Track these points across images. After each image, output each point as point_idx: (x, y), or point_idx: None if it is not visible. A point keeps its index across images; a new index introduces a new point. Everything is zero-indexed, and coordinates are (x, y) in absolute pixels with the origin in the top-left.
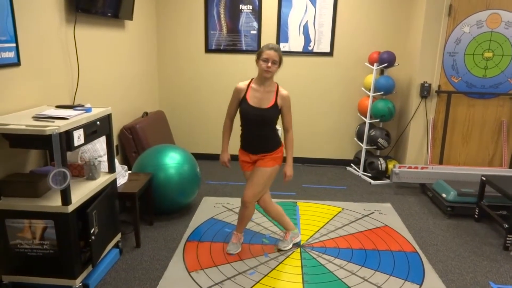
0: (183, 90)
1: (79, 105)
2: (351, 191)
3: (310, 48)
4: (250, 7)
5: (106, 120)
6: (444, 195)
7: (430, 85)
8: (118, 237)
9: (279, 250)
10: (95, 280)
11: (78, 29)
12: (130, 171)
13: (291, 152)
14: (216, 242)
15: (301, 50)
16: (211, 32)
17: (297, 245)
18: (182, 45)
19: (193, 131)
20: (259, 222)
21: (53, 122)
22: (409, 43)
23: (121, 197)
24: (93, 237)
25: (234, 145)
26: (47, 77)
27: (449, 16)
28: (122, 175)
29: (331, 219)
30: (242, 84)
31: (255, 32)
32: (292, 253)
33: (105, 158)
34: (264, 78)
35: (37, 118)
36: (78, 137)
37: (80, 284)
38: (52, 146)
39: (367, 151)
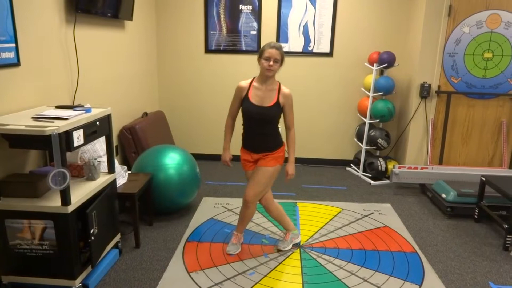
0: (182, 91)
1: (78, 106)
2: (351, 191)
3: (310, 49)
4: (250, 7)
5: (106, 120)
6: (444, 196)
7: (430, 85)
8: (117, 237)
9: (279, 251)
10: (94, 281)
11: (78, 29)
12: (129, 172)
13: (293, 151)
14: (216, 243)
15: (301, 50)
16: (211, 32)
17: (296, 245)
18: (182, 45)
19: (193, 132)
20: (258, 222)
21: (53, 122)
22: (409, 43)
23: (120, 197)
24: (92, 238)
25: (235, 145)
26: (47, 78)
27: (449, 17)
28: (121, 176)
29: (330, 219)
30: (244, 83)
31: (255, 32)
32: (291, 253)
33: (104, 158)
34: (266, 76)
35: (36, 118)
36: (78, 137)
37: (80, 284)
38: (51, 147)
39: (367, 152)
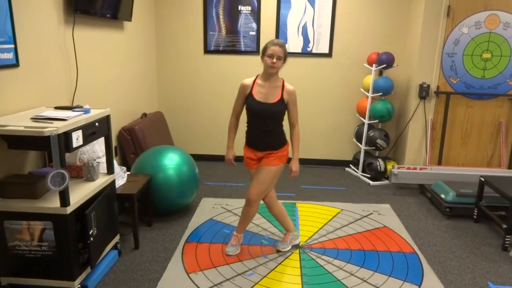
0: (182, 91)
1: (77, 106)
2: (350, 192)
3: (309, 49)
4: (249, 8)
5: (105, 121)
6: (443, 196)
7: (428, 86)
8: (116, 238)
9: (278, 251)
10: (93, 282)
11: (77, 30)
12: (129, 172)
13: (297, 148)
14: (215, 243)
15: (300, 51)
16: (210, 33)
17: (296, 246)
18: (181, 46)
19: (192, 132)
20: (258, 223)
21: (52, 123)
22: (408, 44)
23: (120, 198)
24: (91, 239)
25: (237, 145)
26: (46, 78)
27: (447, 17)
28: (121, 176)
29: (330, 220)
30: (248, 81)
31: (254, 33)
32: (291, 254)
33: (103, 159)
34: (269, 73)
35: (35, 119)
36: (77, 138)
37: (79, 285)
38: (50, 148)
39: (366, 152)
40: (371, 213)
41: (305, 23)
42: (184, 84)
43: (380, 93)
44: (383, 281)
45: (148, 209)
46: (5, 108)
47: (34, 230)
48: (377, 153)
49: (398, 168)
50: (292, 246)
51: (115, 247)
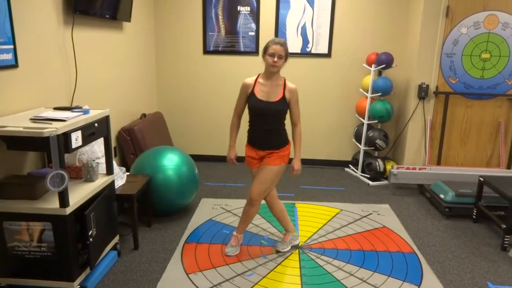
0: (181, 92)
1: (77, 107)
2: (349, 192)
3: (308, 50)
4: (248, 8)
5: (104, 122)
6: (442, 196)
7: (428, 86)
8: (116, 239)
9: (278, 252)
10: (93, 283)
11: (76, 30)
12: (128, 173)
13: (299, 146)
14: (215, 244)
15: (299, 51)
16: (209, 33)
17: (295, 246)
18: (180, 46)
19: (191, 133)
20: (257, 223)
21: (51, 124)
22: (407, 44)
23: (119, 199)
24: (91, 239)
25: (239, 144)
26: (45, 79)
27: (446, 17)
28: (120, 177)
29: (329, 220)
30: (250, 80)
31: (253, 33)
32: (290, 254)
33: (103, 160)
34: (270, 72)
35: (35, 120)
36: (76, 139)
37: (78, 286)
38: (50, 148)
39: (365, 152)
40: (371, 213)
41: (304, 23)
42: (183, 84)
43: (379, 94)
44: (382, 281)
45: (147, 210)
46: (4, 108)
47: (33, 231)
48: (376, 153)
49: (397, 168)
50: (292, 247)
51: (114, 247)
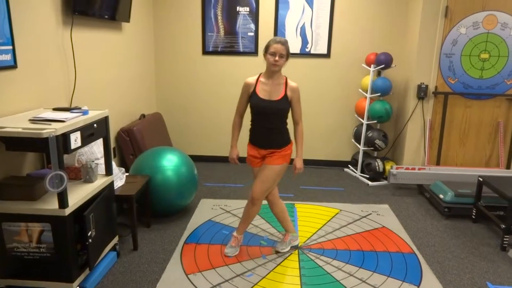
0: (180, 92)
1: (76, 108)
2: (348, 192)
3: (307, 50)
4: (247, 9)
5: (103, 122)
6: (441, 196)
7: (427, 86)
8: (115, 239)
9: (277, 252)
10: (92, 284)
11: (75, 31)
12: (127, 174)
13: (301, 145)
14: (214, 244)
15: (298, 51)
16: (208, 34)
17: (295, 247)
18: (179, 47)
19: (191, 133)
20: (257, 224)
21: (50, 125)
22: (406, 44)
23: (118, 199)
24: (90, 240)
25: (240, 144)
26: (44, 80)
27: (445, 17)
28: (119, 178)
29: (328, 220)
30: (251, 79)
31: (252, 34)
32: (290, 255)
33: (102, 160)
34: (272, 71)
35: (34, 121)
36: (75, 139)
37: (77, 287)
38: (49, 149)
39: (365, 152)
40: (370, 214)
41: (304, 23)
42: (182, 85)
43: (379, 94)
44: (382, 281)
45: (146, 210)
46: (3, 109)
47: (32, 232)
48: (375, 154)
49: (397, 168)
50: (291, 247)
51: (113, 248)
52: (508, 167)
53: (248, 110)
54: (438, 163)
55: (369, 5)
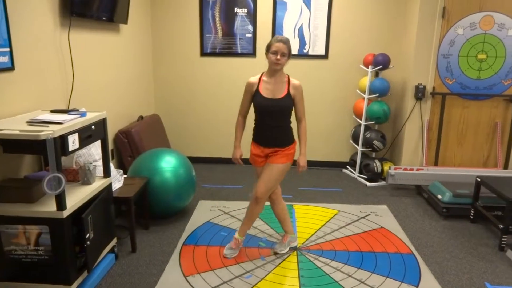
0: (178, 94)
1: (73, 110)
2: (347, 193)
3: (305, 51)
4: (245, 10)
5: (101, 124)
6: (439, 197)
7: (424, 87)
8: (113, 242)
9: (276, 253)
10: (90, 286)
11: (73, 33)
12: (125, 175)
13: (305, 143)
14: (213, 246)
15: (296, 53)
16: (206, 35)
17: (293, 248)
18: (178, 48)
19: (189, 135)
20: (255, 225)
21: (48, 127)
22: (404, 45)
23: (116, 201)
24: (88, 242)
25: (242, 147)
26: (42, 82)
27: (442, 18)
28: (117, 180)
29: (327, 221)
30: (254, 79)
31: (250, 35)
32: (288, 256)
33: (100, 162)
34: (274, 70)
35: (31, 123)
36: (73, 141)
37: None
38: (46, 151)
39: (363, 153)
40: (368, 214)
41: (301, 25)
42: (180, 86)
43: (377, 95)
44: (380, 282)
45: (145, 212)
46: (1, 111)
47: (30, 234)
48: (373, 154)
49: (395, 169)
50: (290, 248)
51: (112, 250)
52: (505, 167)
53: (251, 110)
54: (436, 163)
55: (366, 6)
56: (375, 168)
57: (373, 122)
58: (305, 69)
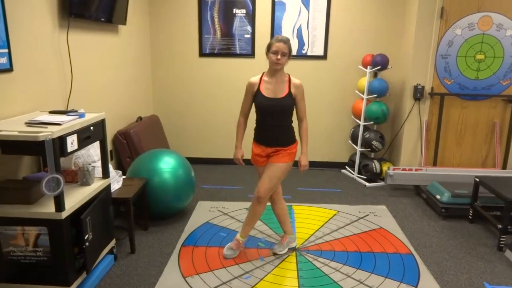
0: (177, 95)
1: (72, 111)
2: (346, 193)
3: (304, 52)
4: (244, 11)
5: (100, 125)
6: (438, 197)
7: (423, 87)
8: (112, 243)
9: (275, 254)
10: (89, 287)
11: (71, 34)
12: (124, 176)
13: (306, 142)
14: (212, 247)
15: (295, 53)
16: (205, 36)
17: (292, 248)
18: (176, 49)
19: (188, 135)
20: (254, 225)
21: (46, 128)
22: (402, 45)
23: (115, 202)
24: (87, 244)
25: (243, 147)
26: (40, 83)
27: (441, 19)
28: (116, 180)
29: (326, 222)
30: (255, 79)
31: (249, 36)
32: (287, 256)
33: (99, 163)
34: (274, 70)
35: (30, 124)
36: (72, 142)
37: None
38: (45, 152)
39: (362, 154)
40: (367, 215)
41: (300, 25)
42: (179, 87)
43: (375, 95)
44: (379, 282)
45: (144, 213)
46: None
47: (29, 236)
48: (372, 155)
49: (394, 169)
50: (289, 249)
51: (111, 251)
52: (504, 168)
53: (253, 110)
54: (434, 163)
55: (365, 6)
56: (374, 168)
57: (372, 122)
58: (303, 70)
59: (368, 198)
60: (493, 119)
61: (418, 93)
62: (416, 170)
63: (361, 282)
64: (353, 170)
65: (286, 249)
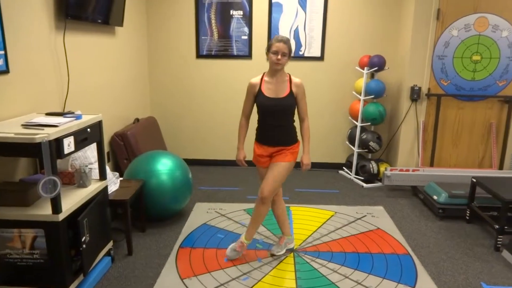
0: (174, 96)
1: (69, 112)
2: (343, 194)
3: (301, 53)
4: (241, 12)
5: (97, 127)
6: (435, 197)
7: (420, 88)
8: (109, 244)
9: (273, 255)
10: None
11: (68, 35)
12: (121, 178)
13: (308, 141)
14: (209, 248)
15: (292, 54)
16: (202, 37)
17: (290, 249)
18: (173, 50)
19: (185, 137)
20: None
21: (43, 129)
22: (399, 47)
23: (112, 204)
24: (84, 246)
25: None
26: (37, 85)
27: (437, 20)
28: (113, 182)
29: (324, 223)
30: (255, 79)
31: (246, 37)
32: (285, 257)
33: (96, 165)
34: (275, 70)
35: (26, 126)
36: (68, 144)
37: None
38: (42, 154)
39: (359, 155)
40: (365, 215)
41: (297, 27)
42: (176, 89)
43: (372, 96)
44: (377, 283)
45: (141, 215)
46: None
47: (25, 238)
48: (369, 156)
49: (391, 170)
50: (287, 250)
51: (108, 253)
52: (501, 168)
53: (254, 110)
54: (431, 164)
55: (362, 8)
56: (371, 169)
57: (369, 123)
58: (301, 71)
59: (366, 199)
60: (489, 120)
61: (415, 94)
62: (413, 170)
63: (359, 283)
64: (351, 171)
65: (284, 250)
